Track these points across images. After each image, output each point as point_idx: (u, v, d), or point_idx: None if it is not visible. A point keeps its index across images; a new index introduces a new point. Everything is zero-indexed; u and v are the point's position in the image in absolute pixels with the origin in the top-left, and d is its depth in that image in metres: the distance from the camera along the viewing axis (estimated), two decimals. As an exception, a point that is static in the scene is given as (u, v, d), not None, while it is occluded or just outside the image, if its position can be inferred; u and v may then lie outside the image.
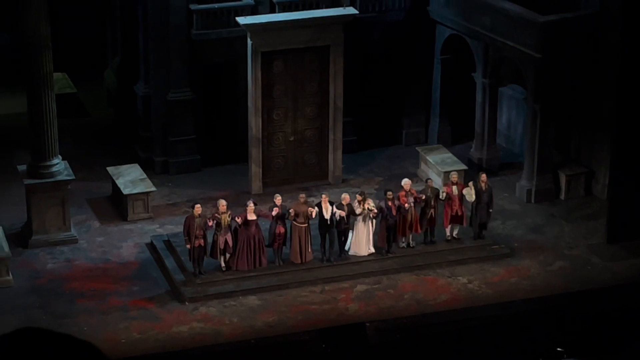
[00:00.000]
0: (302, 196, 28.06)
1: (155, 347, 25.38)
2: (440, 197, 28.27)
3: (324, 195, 28.34)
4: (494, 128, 33.00)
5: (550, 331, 25.26)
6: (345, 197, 27.94)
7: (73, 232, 29.54)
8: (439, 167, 31.40)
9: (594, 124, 30.73)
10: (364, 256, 28.64)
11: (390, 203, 27.95)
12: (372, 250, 28.46)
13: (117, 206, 30.84)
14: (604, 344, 24.52)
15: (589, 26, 30.33)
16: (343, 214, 27.71)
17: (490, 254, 29.01)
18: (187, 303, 27.13)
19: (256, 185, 31.27)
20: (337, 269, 28.25)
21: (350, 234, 28.39)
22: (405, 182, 28.35)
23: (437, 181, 30.34)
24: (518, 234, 30.09)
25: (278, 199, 27.72)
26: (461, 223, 28.84)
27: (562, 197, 31.51)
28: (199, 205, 27.33)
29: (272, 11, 31.86)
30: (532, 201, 31.41)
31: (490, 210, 29.16)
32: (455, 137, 34.00)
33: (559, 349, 24.14)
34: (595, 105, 30.43)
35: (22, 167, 29.24)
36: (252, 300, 27.14)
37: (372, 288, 27.68)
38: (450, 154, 32.30)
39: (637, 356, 24.12)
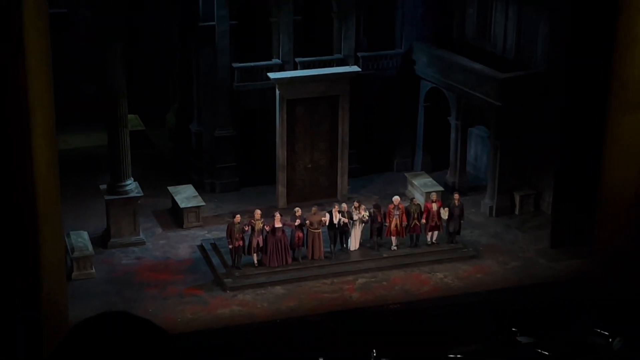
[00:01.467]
0: (315, 209, 28.58)
1: (203, 325, 25.67)
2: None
3: (335, 206, 28.96)
4: (464, 159, 33.22)
5: (507, 315, 25.19)
6: (344, 206, 28.79)
7: (141, 236, 29.88)
8: (421, 189, 31.82)
9: (542, 156, 30.78)
10: (364, 256, 28.42)
11: (376, 212, 28.79)
12: (357, 246, 29.07)
13: (175, 217, 31.05)
14: (548, 325, 24.46)
15: (538, 81, 30.46)
16: (346, 220, 28.33)
17: (461, 255, 29.28)
18: (228, 291, 27.41)
19: (282, 201, 31.45)
20: (343, 266, 28.52)
21: (351, 236, 28.78)
22: (395, 198, 29.08)
23: (420, 199, 30.47)
24: (482, 240, 30.32)
25: (298, 212, 27.88)
26: (438, 230, 29.07)
27: (517, 212, 31.66)
28: (238, 215, 27.72)
29: (295, 68, 32.07)
30: (494, 215, 31.59)
31: (462, 221, 29.50)
32: (435, 166, 34.13)
33: (513, 328, 24.02)
34: (542, 142, 30.45)
35: (103, 186, 29.58)
36: (278, 289, 27.41)
37: (370, 281, 27.93)
38: (430, 179, 32.59)
39: (572, 333, 23.98)
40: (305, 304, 26.86)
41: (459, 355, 23.21)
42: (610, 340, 23.32)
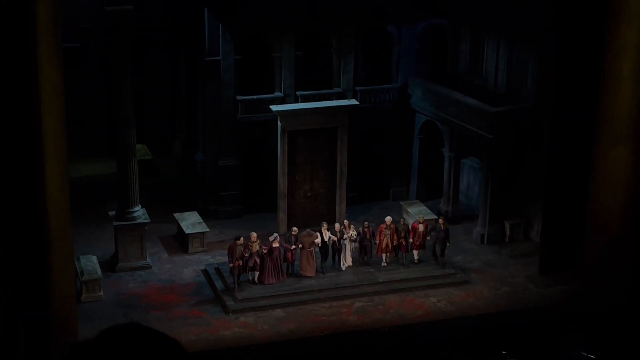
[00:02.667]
0: (308, 231, 29.02)
1: (207, 345, 25.60)
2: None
3: (324, 224, 29.41)
4: (457, 188, 33.27)
5: (497, 338, 25.17)
6: (337, 226, 29.49)
7: (148, 260, 29.86)
8: (416, 217, 31.49)
9: (531, 186, 30.85)
10: (361, 280, 28.48)
11: (366, 230, 29.27)
12: (350, 262, 29.55)
13: (180, 242, 31.11)
14: (537, 348, 24.48)
15: (528, 115, 30.58)
16: (335, 238, 29.04)
17: (453, 280, 29.25)
18: (230, 314, 27.32)
19: (282, 228, 31.45)
20: (341, 290, 28.45)
21: (342, 254, 29.30)
22: (388, 219, 29.63)
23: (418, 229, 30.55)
24: (474, 266, 30.27)
25: (295, 231, 28.96)
26: (424, 249, 29.64)
27: (507, 239, 31.56)
28: (242, 237, 28.05)
29: (296, 101, 32.21)
30: (485, 242, 31.59)
31: (448, 244, 29.88)
32: (429, 195, 34.14)
33: (503, 352, 24.05)
34: (532, 173, 30.56)
35: (112, 213, 29.62)
36: (279, 312, 27.39)
37: (366, 305, 27.86)
38: (425, 207, 32.62)
39: (560, 356, 24.04)
40: (305, 326, 26.72)
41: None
42: (595, 361, 23.41)
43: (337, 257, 29.30)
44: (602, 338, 24.34)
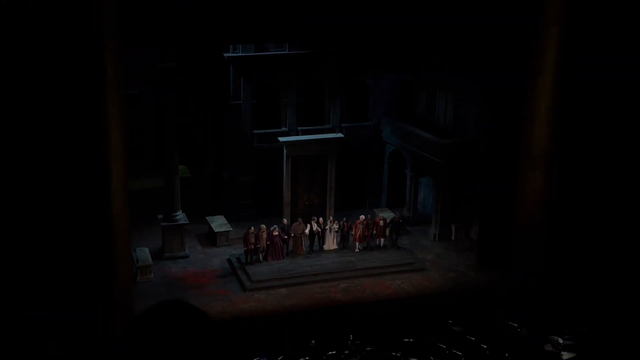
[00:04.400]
0: (300, 221, 29.28)
1: (230, 316, 25.54)
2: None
3: (314, 218, 29.72)
4: (416, 199, 33.29)
5: (445, 311, 25.25)
6: (321, 220, 29.84)
7: (187, 251, 29.75)
8: (386, 218, 31.58)
9: (471, 198, 30.94)
10: (345, 267, 28.51)
11: (345, 225, 29.94)
12: (336, 246, 29.90)
13: (210, 238, 30.99)
14: (474, 318, 24.52)
15: (469, 145, 30.68)
16: (319, 229, 29.67)
17: (413, 268, 29.30)
18: (247, 292, 27.16)
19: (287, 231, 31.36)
20: (330, 275, 28.27)
21: (326, 240, 29.79)
22: (361, 217, 30.21)
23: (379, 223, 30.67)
24: (428, 257, 30.27)
25: (285, 221, 29.61)
26: (384, 237, 30.10)
27: (452, 238, 31.61)
28: (252, 228, 28.37)
29: (298, 134, 32.22)
30: (437, 240, 31.54)
31: (400, 232, 30.59)
32: (395, 204, 34.15)
33: (450, 320, 24.11)
34: (471, 188, 30.66)
35: (160, 216, 29.49)
36: (283, 291, 27.41)
37: (349, 285, 27.96)
38: (392, 213, 32.46)
39: (492, 324, 24.00)
40: (303, 301, 26.75)
41: (411, 340, 23.25)
42: (519, 330, 23.42)
43: (320, 242, 29.74)
44: (521, 310, 24.38)
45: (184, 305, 4.93)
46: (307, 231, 29.29)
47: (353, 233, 29.81)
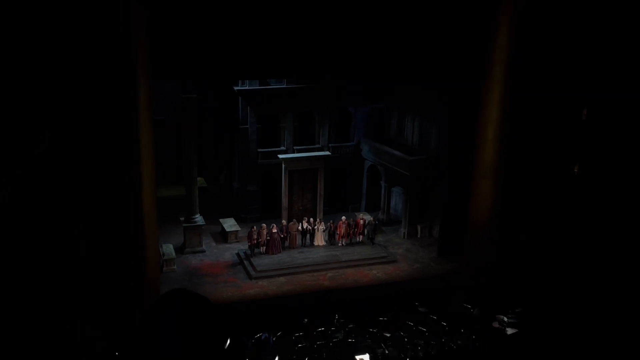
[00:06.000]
0: (294, 221, 29.28)
1: (238, 299, 24.94)
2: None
3: (304, 219, 29.44)
4: (389, 205, 32.99)
5: (413, 295, 25.17)
6: (311, 220, 29.52)
7: (203, 247, 29.18)
8: (365, 219, 31.54)
9: (434, 204, 30.94)
10: (331, 259, 28.34)
11: (331, 225, 29.72)
12: (324, 243, 29.48)
13: (223, 236, 30.70)
14: (436, 300, 24.38)
15: (432, 161, 30.67)
16: (310, 228, 29.33)
17: (386, 260, 28.61)
18: (252, 280, 26.68)
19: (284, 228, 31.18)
20: (319, 266, 27.93)
21: (315, 237, 29.37)
22: (343, 218, 29.88)
23: (359, 223, 30.36)
24: (399, 252, 29.73)
25: (283, 222, 29.18)
26: (363, 234, 29.78)
27: (418, 236, 31.47)
28: (255, 226, 28.00)
29: (294, 152, 32.00)
30: (406, 237, 31.22)
31: (376, 231, 30.12)
32: (373, 209, 34.05)
33: (416, 302, 24.01)
34: (434, 196, 30.66)
35: (182, 218, 29.18)
36: (282, 279, 26.62)
37: (334, 274, 27.28)
38: (370, 216, 32.32)
39: (450, 305, 23.81)
40: (298, 287, 25.88)
41: (385, 318, 23.08)
42: (472, 309, 23.34)
43: (311, 238, 29.43)
44: (475, 295, 24.34)
45: (187, 292, 4.90)
46: (299, 228, 28.89)
47: (338, 232, 29.58)
